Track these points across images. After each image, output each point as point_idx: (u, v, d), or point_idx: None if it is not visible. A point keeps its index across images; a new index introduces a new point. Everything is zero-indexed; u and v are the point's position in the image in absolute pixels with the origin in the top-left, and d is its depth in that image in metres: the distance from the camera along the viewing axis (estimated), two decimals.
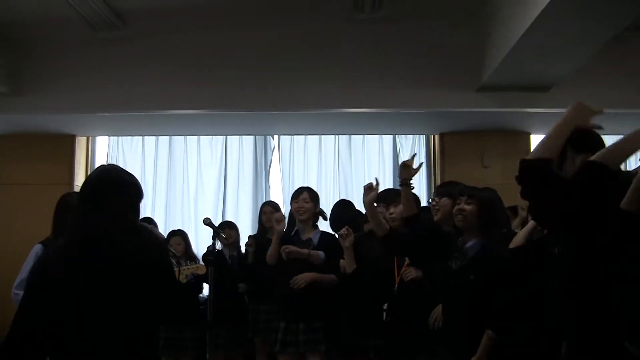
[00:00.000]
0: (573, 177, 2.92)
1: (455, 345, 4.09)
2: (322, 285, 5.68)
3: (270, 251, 5.97)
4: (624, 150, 2.87)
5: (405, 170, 4.77)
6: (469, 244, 4.09)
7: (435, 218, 4.80)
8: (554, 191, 2.97)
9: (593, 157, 2.84)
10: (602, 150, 2.89)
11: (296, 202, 5.89)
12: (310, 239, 5.82)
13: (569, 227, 2.91)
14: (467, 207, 4.10)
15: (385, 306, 5.00)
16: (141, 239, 3.01)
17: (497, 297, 3.92)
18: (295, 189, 6.22)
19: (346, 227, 5.37)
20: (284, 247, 5.77)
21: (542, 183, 3.02)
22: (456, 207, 4.16)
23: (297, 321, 5.68)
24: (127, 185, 3.05)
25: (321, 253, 5.69)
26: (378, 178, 5.01)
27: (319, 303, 5.68)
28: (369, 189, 4.89)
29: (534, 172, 3.06)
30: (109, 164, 3.41)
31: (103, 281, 2.77)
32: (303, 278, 5.67)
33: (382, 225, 4.80)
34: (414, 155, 4.91)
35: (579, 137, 3.09)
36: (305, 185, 6.46)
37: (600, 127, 3.15)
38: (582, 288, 2.96)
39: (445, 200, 4.70)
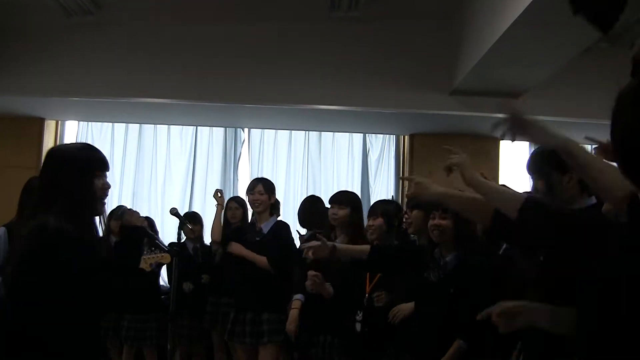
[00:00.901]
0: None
1: (426, 354, 4.11)
2: (269, 277, 5.75)
3: (214, 227, 6.55)
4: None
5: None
6: (448, 257, 4.11)
7: (409, 231, 4.83)
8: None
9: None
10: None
11: (251, 195, 5.96)
12: (261, 228, 5.91)
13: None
14: (443, 222, 4.10)
15: (358, 316, 4.95)
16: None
17: (469, 306, 3.94)
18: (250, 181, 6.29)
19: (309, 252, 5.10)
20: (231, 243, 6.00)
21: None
22: (431, 223, 4.15)
23: (245, 311, 5.74)
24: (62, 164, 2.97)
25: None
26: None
27: (269, 294, 5.74)
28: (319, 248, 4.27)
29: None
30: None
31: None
32: (234, 248, 5.89)
33: (360, 250, 4.37)
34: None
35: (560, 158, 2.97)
36: (273, 179, 6.48)
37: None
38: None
39: (417, 213, 4.72)
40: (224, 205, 6.49)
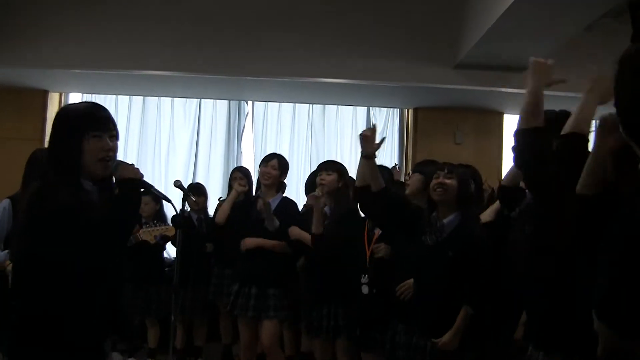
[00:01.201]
0: (558, 149, 2.93)
1: (427, 320, 4.12)
2: (274, 252, 5.75)
3: (222, 212, 6.25)
4: (588, 116, 2.94)
5: (367, 145, 4.36)
6: (447, 219, 4.11)
7: (406, 192, 4.82)
8: (548, 160, 2.99)
9: (569, 129, 2.87)
10: (573, 119, 2.91)
11: (264, 167, 5.92)
12: (268, 203, 5.82)
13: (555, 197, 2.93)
14: (448, 182, 4.10)
15: (363, 279, 4.99)
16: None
17: (474, 272, 3.96)
18: (267, 153, 6.24)
19: (320, 187, 5.38)
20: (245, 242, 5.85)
21: (539, 152, 3.02)
22: (436, 181, 4.14)
23: (250, 285, 5.73)
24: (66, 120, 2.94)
25: (275, 221, 5.72)
26: (376, 124, 4.93)
27: (274, 270, 5.75)
28: (369, 137, 4.40)
29: (530, 141, 3.05)
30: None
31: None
32: (248, 243, 5.75)
33: (378, 180, 4.41)
34: (374, 125, 4.61)
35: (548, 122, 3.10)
36: (278, 152, 6.46)
37: (563, 81, 3.17)
38: (549, 267, 3.02)
39: (417, 176, 4.72)
40: (239, 191, 6.41)
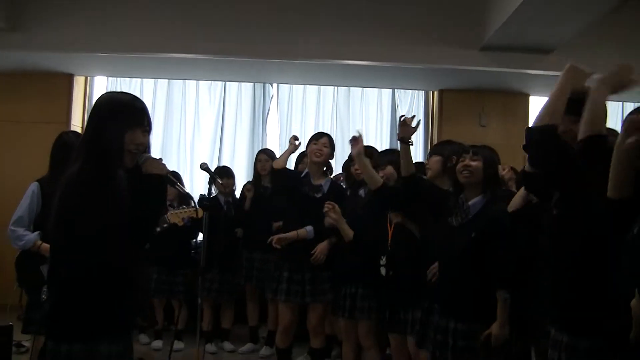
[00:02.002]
0: (580, 151, 2.93)
1: (449, 300, 4.12)
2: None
3: (280, 159, 6.06)
4: (601, 112, 2.95)
5: (404, 129, 4.65)
6: (472, 201, 4.10)
7: (427, 176, 4.81)
8: (563, 158, 3.01)
9: (587, 132, 2.88)
10: (588, 121, 2.92)
11: (315, 144, 5.78)
12: (320, 186, 5.76)
13: (575, 193, 2.94)
14: (474, 164, 4.09)
15: (382, 261, 4.99)
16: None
17: (503, 257, 3.95)
18: (315, 132, 6.11)
19: (326, 203, 5.33)
20: (272, 238, 5.72)
21: (551, 150, 3.04)
22: (462, 163, 4.13)
23: (302, 271, 5.71)
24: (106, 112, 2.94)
25: (309, 229, 5.65)
26: (361, 130, 5.05)
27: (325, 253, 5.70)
28: (354, 141, 4.86)
29: (542, 139, 3.07)
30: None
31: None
32: (279, 241, 5.67)
33: (374, 178, 4.75)
34: (414, 116, 4.77)
35: (575, 104, 3.10)
36: (301, 134, 6.43)
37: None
38: (576, 250, 3.02)
39: (436, 159, 4.71)
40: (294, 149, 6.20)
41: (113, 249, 2.76)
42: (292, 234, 5.66)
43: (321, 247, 5.59)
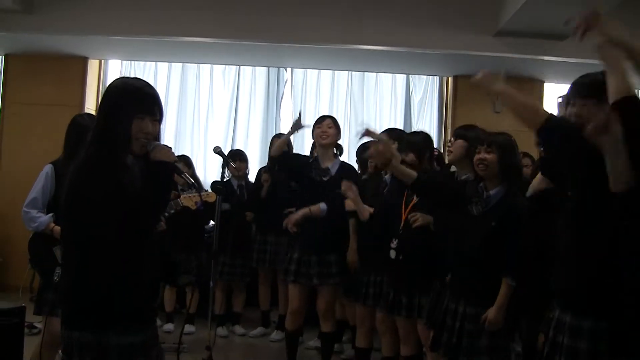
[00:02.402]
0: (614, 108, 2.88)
1: (465, 288, 4.13)
2: (330, 218, 5.69)
3: (278, 144, 5.97)
4: (623, 71, 2.86)
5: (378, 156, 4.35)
6: (492, 192, 4.10)
7: (448, 159, 4.77)
8: (571, 143, 3.00)
9: (618, 94, 2.83)
10: (614, 86, 2.86)
11: (319, 128, 5.78)
12: (328, 168, 5.75)
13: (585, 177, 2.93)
14: (488, 157, 4.08)
15: (393, 243, 4.97)
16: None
17: (514, 244, 3.96)
18: (319, 116, 6.07)
19: (344, 182, 5.31)
20: (286, 221, 5.74)
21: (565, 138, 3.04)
22: (477, 157, 4.12)
23: (309, 253, 5.72)
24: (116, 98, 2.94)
25: (323, 206, 5.64)
26: (369, 125, 4.69)
27: (332, 236, 5.71)
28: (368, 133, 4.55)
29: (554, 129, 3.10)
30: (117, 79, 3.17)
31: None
32: (291, 220, 5.68)
33: (407, 173, 4.41)
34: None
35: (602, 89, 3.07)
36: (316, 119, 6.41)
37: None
38: (585, 232, 3.05)
39: (459, 142, 4.66)
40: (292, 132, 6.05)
41: (121, 236, 2.77)
42: (304, 210, 5.66)
43: (293, 216, 5.66)
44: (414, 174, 4.37)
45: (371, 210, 5.21)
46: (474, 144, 4.24)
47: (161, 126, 3.00)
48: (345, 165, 5.91)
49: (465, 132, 4.65)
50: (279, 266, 6.35)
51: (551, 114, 3.16)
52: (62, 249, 2.94)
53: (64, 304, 2.90)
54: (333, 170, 5.75)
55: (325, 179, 5.72)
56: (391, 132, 5.34)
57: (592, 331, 2.97)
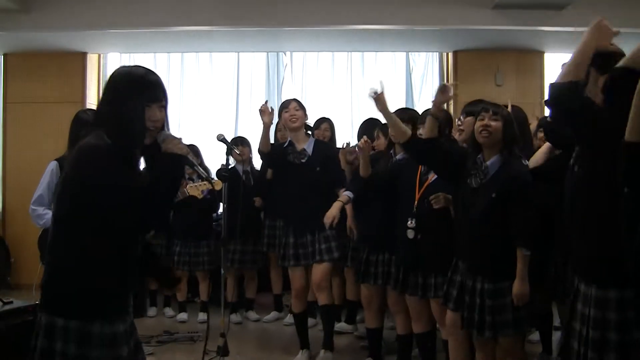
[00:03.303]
0: (605, 85, 2.90)
1: (475, 262, 4.13)
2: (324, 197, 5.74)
3: (262, 140, 5.93)
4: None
5: (443, 96, 4.48)
6: (490, 161, 4.08)
7: (460, 138, 4.74)
8: (586, 115, 2.99)
9: (620, 64, 2.85)
10: (625, 58, 2.88)
11: (287, 112, 5.88)
12: (304, 150, 5.85)
13: (597, 149, 2.93)
14: (493, 124, 4.06)
15: (410, 223, 4.95)
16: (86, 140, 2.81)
17: (523, 213, 3.95)
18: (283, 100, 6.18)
19: (364, 137, 5.33)
20: (326, 219, 5.52)
21: (574, 106, 3.04)
22: (481, 123, 4.09)
23: (306, 234, 5.78)
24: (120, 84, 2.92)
25: (348, 193, 5.56)
26: (382, 82, 4.66)
27: (325, 212, 5.70)
28: (376, 96, 4.56)
29: (564, 95, 3.05)
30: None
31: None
32: (329, 217, 5.57)
33: (403, 130, 4.53)
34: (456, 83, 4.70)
35: (602, 58, 3.07)
36: (317, 101, 6.43)
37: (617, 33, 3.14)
38: (601, 205, 3.05)
39: (469, 119, 4.62)
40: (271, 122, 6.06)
41: (118, 227, 2.77)
42: (337, 204, 5.55)
43: (330, 212, 5.55)
44: (408, 132, 4.42)
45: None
46: (479, 112, 4.22)
47: (167, 112, 3.00)
48: (319, 143, 6.04)
49: (473, 108, 4.63)
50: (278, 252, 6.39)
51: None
52: (51, 232, 2.89)
53: (47, 288, 2.86)
54: (309, 150, 5.87)
55: (303, 160, 5.84)
56: (404, 113, 5.30)
57: (619, 301, 2.98)
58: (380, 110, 4.60)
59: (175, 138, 2.93)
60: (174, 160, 2.88)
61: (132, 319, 3.01)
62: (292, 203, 5.89)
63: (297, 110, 5.86)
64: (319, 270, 5.80)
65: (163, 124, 2.96)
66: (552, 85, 3.12)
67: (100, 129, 2.81)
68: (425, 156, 4.53)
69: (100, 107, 2.99)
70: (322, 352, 5.92)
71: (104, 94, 2.98)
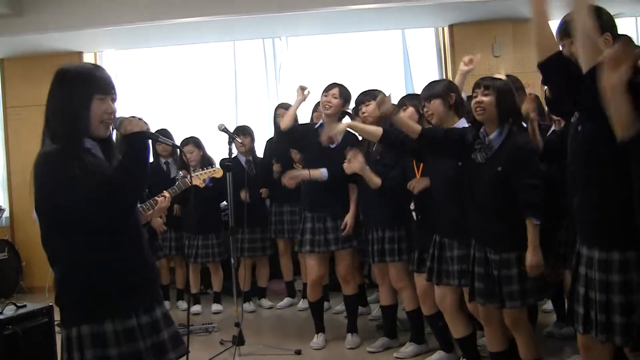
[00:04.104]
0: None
1: (485, 236, 4.13)
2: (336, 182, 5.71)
3: (286, 118, 5.94)
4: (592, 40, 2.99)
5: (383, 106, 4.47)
6: (492, 135, 4.08)
7: (433, 122, 4.68)
8: (575, 80, 3.04)
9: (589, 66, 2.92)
10: (583, 55, 3.00)
11: (325, 96, 5.76)
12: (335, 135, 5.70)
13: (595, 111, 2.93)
14: (485, 99, 4.05)
15: (412, 205, 4.99)
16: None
17: (530, 183, 3.95)
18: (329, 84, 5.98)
19: (349, 151, 5.32)
20: (286, 176, 5.79)
21: (562, 77, 3.13)
22: (474, 101, 4.10)
23: (324, 220, 5.76)
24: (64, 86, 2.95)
25: (323, 170, 5.65)
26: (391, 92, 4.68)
27: (344, 201, 5.75)
28: (381, 102, 4.51)
29: (552, 72, 3.18)
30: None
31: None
32: (290, 179, 5.75)
33: (413, 128, 4.44)
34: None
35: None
36: (316, 84, 6.36)
37: None
38: (604, 164, 3.08)
39: (435, 102, 4.56)
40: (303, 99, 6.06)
41: (98, 222, 2.77)
42: (304, 172, 5.72)
43: (349, 220, 5.66)
44: (418, 127, 4.38)
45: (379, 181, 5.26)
46: (446, 92, 4.26)
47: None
48: (349, 134, 5.83)
49: (430, 90, 4.61)
50: (295, 237, 6.37)
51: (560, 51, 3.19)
52: (48, 251, 2.91)
53: (59, 302, 2.92)
54: (339, 138, 5.74)
55: (332, 146, 5.71)
56: (412, 99, 5.32)
57: (622, 262, 3.00)
58: (386, 116, 4.56)
59: (131, 118, 2.92)
60: (133, 137, 2.85)
61: (162, 310, 3.06)
62: (315, 187, 5.80)
63: (335, 97, 5.73)
64: (344, 262, 5.85)
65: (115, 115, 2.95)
66: (539, 66, 3.23)
67: (47, 136, 2.87)
68: (436, 147, 4.48)
69: (46, 108, 2.98)
70: (349, 335, 5.95)
71: (49, 93, 2.98)
